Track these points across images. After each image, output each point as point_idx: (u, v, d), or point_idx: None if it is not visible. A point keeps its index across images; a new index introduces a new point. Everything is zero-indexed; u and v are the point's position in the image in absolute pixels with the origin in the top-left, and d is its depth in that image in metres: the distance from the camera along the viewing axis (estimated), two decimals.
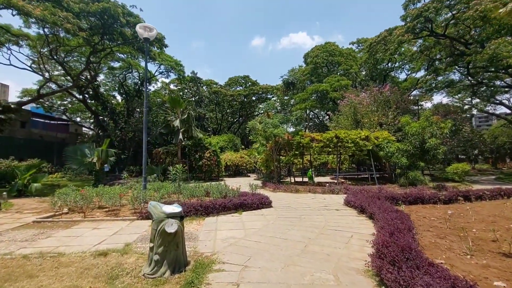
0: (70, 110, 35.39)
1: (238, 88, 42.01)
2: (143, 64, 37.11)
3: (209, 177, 21.63)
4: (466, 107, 32.99)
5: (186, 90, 42.07)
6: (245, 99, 41.56)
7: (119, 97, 37.30)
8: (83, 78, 30.68)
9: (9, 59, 21.63)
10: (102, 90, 38.67)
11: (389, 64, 32.67)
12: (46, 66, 23.88)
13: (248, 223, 6.46)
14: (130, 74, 38.22)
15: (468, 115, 34.39)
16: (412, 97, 25.45)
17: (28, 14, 14.98)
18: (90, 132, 39.87)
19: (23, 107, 34.84)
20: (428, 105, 33.27)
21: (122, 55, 29.80)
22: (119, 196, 7.07)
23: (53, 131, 36.46)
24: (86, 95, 32.95)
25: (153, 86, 41.87)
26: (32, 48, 22.12)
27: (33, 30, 21.31)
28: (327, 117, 39.91)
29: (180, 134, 19.04)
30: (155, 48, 24.56)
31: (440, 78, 27.19)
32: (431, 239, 4.84)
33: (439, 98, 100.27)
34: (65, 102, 37.35)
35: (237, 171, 27.98)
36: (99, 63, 27.16)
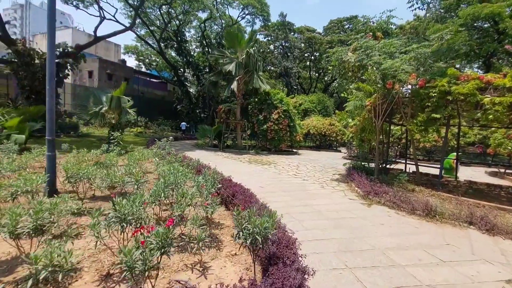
0: (159, 66, 35.58)
1: (341, 34, 31.43)
2: (227, 12, 32.76)
3: (276, 147, 15.49)
4: None
5: (277, 43, 35.23)
6: None
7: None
8: (162, 27, 29.10)
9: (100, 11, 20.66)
10: (194, 46, 37.43)
11: None
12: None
13: None
14: (215, 26, 34.69)
15: None
16: None
17: None
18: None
19: (127, 65, 37.93)
20: None
21: None
22: None
23: (153, 89, 38.45)
24: (170, 49, 31.92)
25: None
26: None
27: None
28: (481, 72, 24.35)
29: (235, 83, 13.26)
30: None
31: None
32: None
33: None
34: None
35: (323, 142, 20.54)
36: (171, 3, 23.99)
